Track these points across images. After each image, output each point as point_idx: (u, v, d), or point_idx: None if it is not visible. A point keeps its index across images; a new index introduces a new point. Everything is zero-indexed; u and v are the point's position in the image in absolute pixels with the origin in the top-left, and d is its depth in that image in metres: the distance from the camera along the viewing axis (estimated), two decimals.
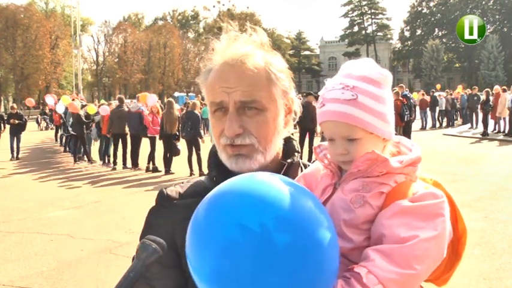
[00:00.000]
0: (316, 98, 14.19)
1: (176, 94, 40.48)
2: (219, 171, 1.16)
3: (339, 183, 1.04)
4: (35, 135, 26.39)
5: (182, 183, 1.22)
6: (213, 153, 1.21)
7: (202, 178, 1.24)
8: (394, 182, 0.98)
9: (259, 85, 1.10)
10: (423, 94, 25.04)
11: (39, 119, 31.63)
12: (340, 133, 1.00)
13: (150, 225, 1.16)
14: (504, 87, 19.94)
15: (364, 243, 0.96)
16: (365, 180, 0.99)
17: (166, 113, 11.72)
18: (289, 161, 1.19)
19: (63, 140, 18.18)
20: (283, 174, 1.15)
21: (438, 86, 33.96)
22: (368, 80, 1.01)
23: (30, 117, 43.90)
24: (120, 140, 12.98)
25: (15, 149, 15.32)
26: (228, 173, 1.14)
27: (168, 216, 1.14)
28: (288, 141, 1.23)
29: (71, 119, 14.85)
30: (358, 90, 0.99)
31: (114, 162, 12.93)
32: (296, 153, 1.23)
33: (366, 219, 0.96)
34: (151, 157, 12.21)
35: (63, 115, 16.64)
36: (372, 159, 0.97)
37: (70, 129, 15.03)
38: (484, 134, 18.18)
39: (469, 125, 22.16)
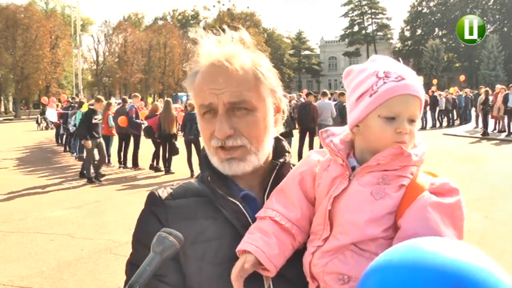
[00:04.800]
0: (316, 97, 14.19)
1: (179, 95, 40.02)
2: (212, 172, 1.15)
3: (353, 174, 1.04)
4: (35, 135, 26.39)
5: (172, 185, 1.20)
6: (205, 155, 1.19)
7: (192, 180, 1.23)
8: (410, 174, 1.01)
9: (248, 85, 1.09)
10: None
11: (39, 119, 31.59)
12: (410, 110, 1.01)
13: (142, 226, 1.14)
14: (504, 86, 19.93)
15: (381, 234, 0.98)
16: (384, 173, 1.00)
17: (164, 112, 11.70)
18: (281, 160, 1.18)
19: (63, 140, 18.18)
20: (275, 174, 1.15)
21: (434, 81, 33.82)
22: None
23: (30, 117, 44.02)
24: (122, 139, 13.00)
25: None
26: (222, 173, 1.14)
27: (161, 216, 1.12)
28: (277, 141, 1.22)
29: (73, 119, 14.84)
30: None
31: (119, 162, 12.98)
32: (287, 153, 1.22)
33: (386, 211, 0.98)
34: (155, 156, 12.24)
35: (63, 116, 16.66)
36: (397, 154, 0.99)
37: (71, 128, 15.02)
38: (484, 134, 18.18)
39: (471, 124, 22.18)
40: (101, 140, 11.01)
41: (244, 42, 1.15)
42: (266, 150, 1.15)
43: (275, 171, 1.16)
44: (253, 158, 1.11)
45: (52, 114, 16.39)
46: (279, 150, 1.22)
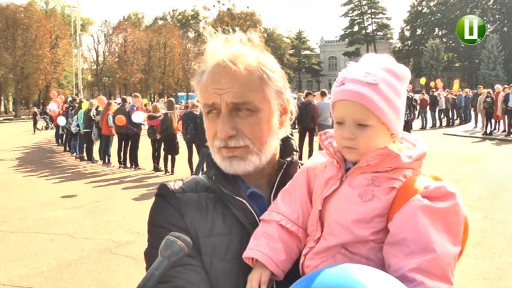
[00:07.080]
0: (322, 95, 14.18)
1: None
2: (217, 171, 1.16)
3: (345, 176, 1.03)
4: (35, 135, 26.39)
5: (182, 180, 1.21)
6: (210, 154, 1.20)
7: (202, 176, 1.23)
8: (403, 177, 0.98)
9: (251, 86, 1.09)
10: (423, 93, 25.03)
11: (37, 119, 31.46)
12: (353, 115, 0.99)
13: (157, 212, 1.14)
14: (505, 85, 19.92)
15: (371, 237, 0.95)
16: (374, 175, 0.98)
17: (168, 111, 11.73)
18: (288, 159, 1.19)
19: (63, 140, 18.17)
20: (282, 173, 1.16)
21: (438, 81, 33.68)
22: (391, 72, 1.00)
23: (30, 116, 43.94)
24: (122, 139, 13.00)
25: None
26: (226, 172, 1.15)
27: (174, 205, 1.13)
28: (286, 140, 1.23)
29: (75, 119, 14.83)
30: (381, 78, 0.99)
31: (120, 162, 12.98)
32: (294, 152, 1.22)
33: (375, 213, 0.95)
34: (156, 157, 12.23)
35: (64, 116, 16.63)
36: (384, 154, 0.97)
37: (73, 128, 15.00)
38: (486, 133, 18.19)
39: (471, 124, 22.17)
40: None
41: (252, 42, 1.15)
42: (269, 151, 1.15)
43: (282, 169, 1.17)
44: (255, 158, 1.12)
45: (61, 120, 16.45)
46: (287, 148, 1.22)
